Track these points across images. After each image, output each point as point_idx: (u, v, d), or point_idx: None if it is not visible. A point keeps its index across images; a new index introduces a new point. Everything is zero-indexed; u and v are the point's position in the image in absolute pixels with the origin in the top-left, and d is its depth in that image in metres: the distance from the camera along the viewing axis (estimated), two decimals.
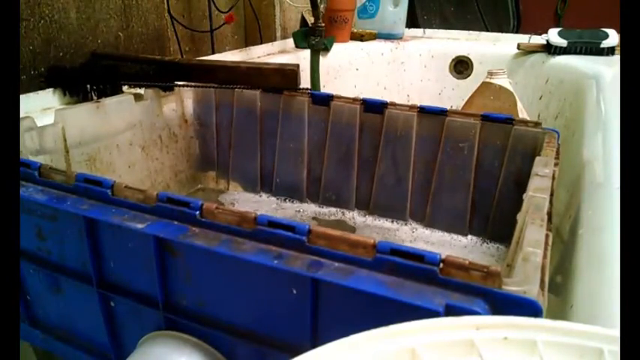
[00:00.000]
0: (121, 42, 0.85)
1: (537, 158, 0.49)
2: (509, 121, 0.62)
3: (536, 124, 0.60)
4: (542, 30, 1.30)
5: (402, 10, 1.38)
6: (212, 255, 0.33)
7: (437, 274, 0.28)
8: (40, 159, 0.56)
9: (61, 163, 0.58)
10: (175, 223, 0.35)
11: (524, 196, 0.43)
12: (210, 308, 0.36)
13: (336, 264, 0.30)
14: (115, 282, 0.40)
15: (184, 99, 0.78)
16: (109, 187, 0.38)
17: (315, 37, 1.05)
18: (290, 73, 0.72)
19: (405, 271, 0.29)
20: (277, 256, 0.31)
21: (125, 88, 0.73)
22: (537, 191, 0.40)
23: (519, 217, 0.41)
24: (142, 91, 0.72)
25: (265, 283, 0.32)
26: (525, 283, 0.28)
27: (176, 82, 0.73)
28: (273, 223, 0.32)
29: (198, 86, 0.75)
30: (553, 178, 0.45)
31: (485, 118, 0.63)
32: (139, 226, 0.35)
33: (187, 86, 0.75)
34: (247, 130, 0.79)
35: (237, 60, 0.96)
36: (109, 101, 0.66)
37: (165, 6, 0.94)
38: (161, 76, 0.72)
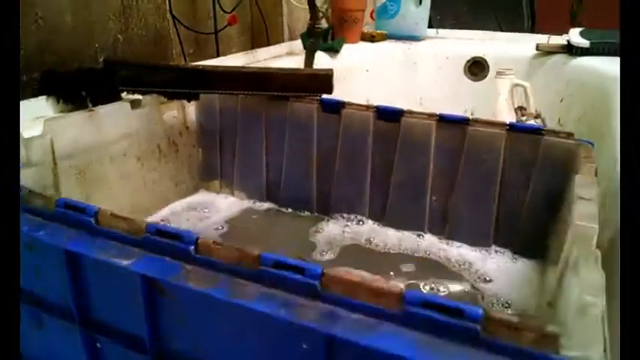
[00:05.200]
0: (119, 45, 0.81)
1: (577, 177, 0.43)
2: (539, 131, 0.56)
3: (569, 135, 0.55)
4: (555, 31, 1.24)
5: (425, 10, 1.31)
6: (208, 299, 0.28)
7: (478, 333, 0.23)
8: (26, 172, 0.51)
9: (49, 176, 0.54)
10: (167, 259, 0.31)
11: (569, 222, 0.37)
12: (205, 357, 0.31)
13: (355, 316, 0.25)
14: (101, 321, 0.35)
15: (186, 105, 0.73)
16: (92, 216, 0.33)
17: (310, 38, 1.01)
18: (324, 78, 0.67)
19: (439, 328, 0.24)
20: (284, 304, 0.26)
21: (124, 94, 0.69)
22: (584, 219, 0.34)
23: (565, 247, 0.35)
24: (140, 97, 0.68)
25: (270, 334, 0.27)
26: (586, 345, 0.23)
27: (203, 90, 0.69)
28: (279, 264, 0.27)
29: (226, 94, 0.70)
30: None
31: (512, 127, 0.58)
32: (125, 262, 0.30)
33: (214, 93, 0.70)
34: (252, 137, 0.75)
35: (242, 63, 0.91)
36: (103, 110, 0.61)
37: (167, 6, 0.89)
38: (185, 84, 0.68)
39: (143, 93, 0.67)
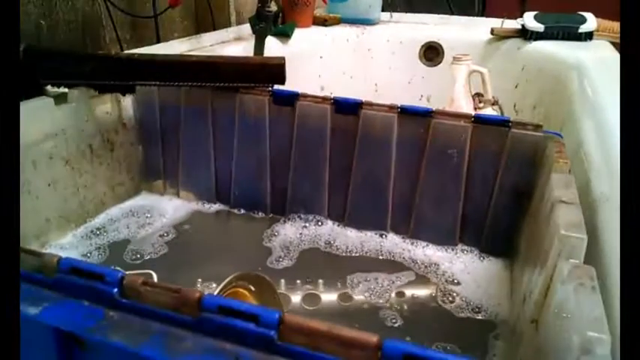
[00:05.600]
0: (43, 32, 0.72)
1: (554, 176, 0.40)
2: (506, 123, 0.53)
3: (537, 127, 0.52)
4: (507, 14, 1.23)
5: None
6: (137, 358, 0.22)
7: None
8: None
9: None
10: (85, 303, 0.25)
11: (551, 226, 0.34)
12: None
13: None
14: None
15: (121, 99, 0.66)
16: None
17: (260, 22, 0.94)
18: (276, 67, 0.61)
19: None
20: None
21: (47, 88, 0.60)
22: (570, 228, 0.31)
23: (549, 255, 0.32)
24: (66, 91, 0.60)
25: None
26: None
27: (139, 82, 0.61)
28: (225, 309, 0.22)
29: (166, 85, 0.63)
30: None
31: (478, 120, 0.54)
32: (33, 311, 0.24)
33: (152, 85, 0.63)
34: (198, 133, 0.68)
35: (185, 50, 0.84)
36: (23, 106, 0.54)
37: None
38: (119, 75, 0.60)
39: (70, 86, 0.60)
